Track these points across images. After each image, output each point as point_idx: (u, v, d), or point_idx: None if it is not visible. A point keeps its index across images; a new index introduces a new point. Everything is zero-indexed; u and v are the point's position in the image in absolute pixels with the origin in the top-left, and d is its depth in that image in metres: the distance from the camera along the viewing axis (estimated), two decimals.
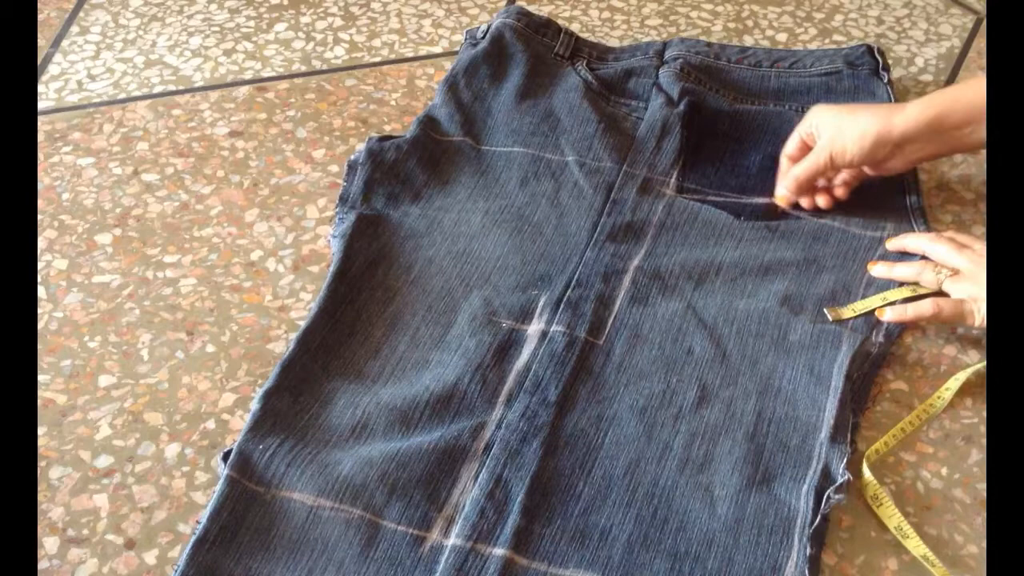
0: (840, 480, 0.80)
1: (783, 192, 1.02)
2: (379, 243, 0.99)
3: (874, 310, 0.93)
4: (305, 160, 1.12)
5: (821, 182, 1.03)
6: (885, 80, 1.15)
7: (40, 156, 1.12)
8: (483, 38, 1.20)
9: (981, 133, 0.96)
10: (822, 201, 1.02)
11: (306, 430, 0.83)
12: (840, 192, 1.03)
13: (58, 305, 0.96)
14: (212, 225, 1.04)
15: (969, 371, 0.88)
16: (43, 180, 1.09)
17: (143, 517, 0.80)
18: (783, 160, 1.03)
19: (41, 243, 1.02)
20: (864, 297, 0.94)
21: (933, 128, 0.96)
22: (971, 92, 0.95)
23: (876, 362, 0.90)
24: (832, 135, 0.98)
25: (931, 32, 1.31)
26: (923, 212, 1.03)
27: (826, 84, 1.17)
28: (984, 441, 0.86)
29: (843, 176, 1.03)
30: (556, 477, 0.81)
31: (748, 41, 1.29)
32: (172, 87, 1.22)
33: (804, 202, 1.03)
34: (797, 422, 0.85)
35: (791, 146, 1.03)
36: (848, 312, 0.93)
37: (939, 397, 0.87)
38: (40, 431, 0.85)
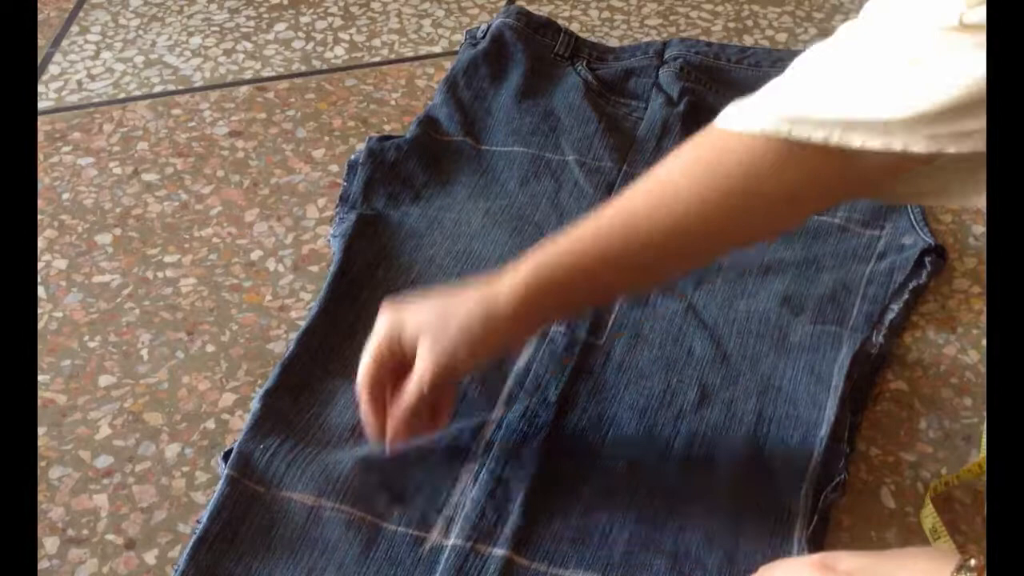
0: (838, 479, 0.80)
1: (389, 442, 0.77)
2: (379, 243, 0.99)
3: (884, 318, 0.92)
4: (305, 160, 1.12)
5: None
6: None
7: (40, 156, 1.12)
8: (483, 38, 1.21)
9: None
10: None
11: (306, 430, 0.83)
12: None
13: (58, 305, 0.96)
14: (212, 225, 1.04)
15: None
16: (43, 180, 1.09)
17: (143, 517, 0.80)
18: (363, 394, 0.76)
19: (41, 243, 1.02)
20: (863, 297, 0.94)
21: (544, 299, 0.73)
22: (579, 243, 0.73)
23: (876, 362, 0.90)
24: (431, 351, 0.73)
25: None
26: (923, 211, 1.02)
27: None
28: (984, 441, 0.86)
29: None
30: (556, 477, 0.81)
31: (748, 41, 1.29)
32: (172, 87, 1.22)
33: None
34: (797, 421, 0.85)
35: (368, 376, 0.75)
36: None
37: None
38: (40, 431, 0.85)
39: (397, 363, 0.75)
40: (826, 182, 0.69)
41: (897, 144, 0.63)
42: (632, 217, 0.72)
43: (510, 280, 0.73)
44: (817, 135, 0.65)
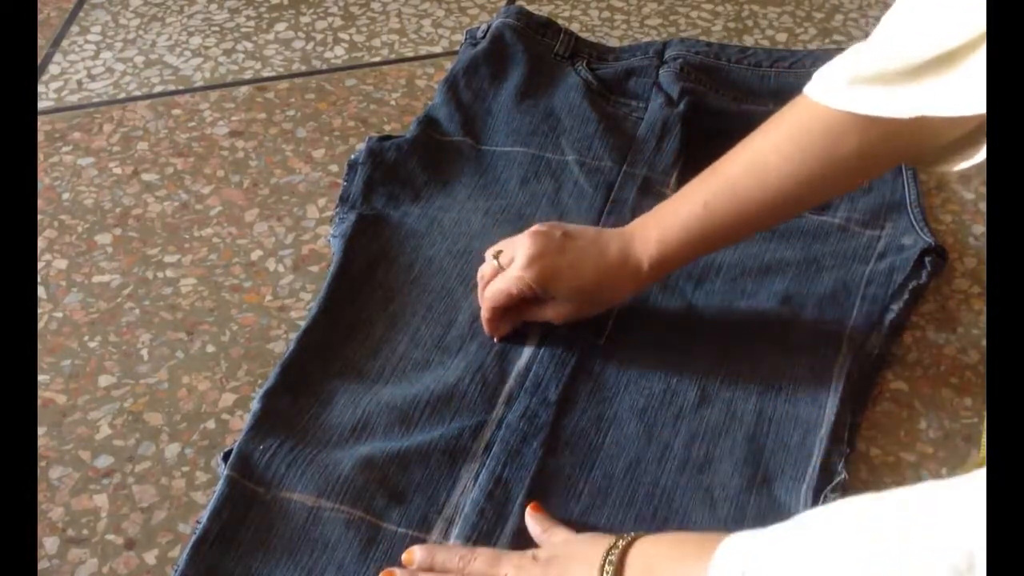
0: (838, 479, 0.80)
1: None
2: (379, 243, 0.99)
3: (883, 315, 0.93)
4: (305, 160, 1.12)
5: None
6: None
7: (40, 156, 1.12)
8: (483, 38, 1.20)
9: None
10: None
11: (306, 430, 0.83)
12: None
13: (58, 305, 0.96)
14: (212, 225, 1.04)
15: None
16: (43, 180, 1.09)
17: (143, 517, 0.80)
18: (492, 317, 0.89)
19: (41, 243, 1.02)
20: (863, 297, 0.94)
21: (672, 266, 0.89)
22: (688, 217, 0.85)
23: (876, 362, 0.90)
24: (576, 309, 0.88)
25: None
26: (923, 211, 1.02)
27: None
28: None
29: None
30: (556, 477, 0.81)
31: (748, 41, 1.29)
32: (172, 87, 1.22)
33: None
34: (797, 421, 0.85)
35: (500, 307, 0.88)
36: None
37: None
38: (40, 431, 0.85)
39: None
40: (897, 142, 0.79)
41: (965, 110, 0.68)
42: (734, 193, 0.84)
43: (645, 253, 0.86)
44: (890, 110, 0.74)
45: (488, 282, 0.89)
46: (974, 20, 0.66)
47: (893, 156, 0.83)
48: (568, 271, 0.86)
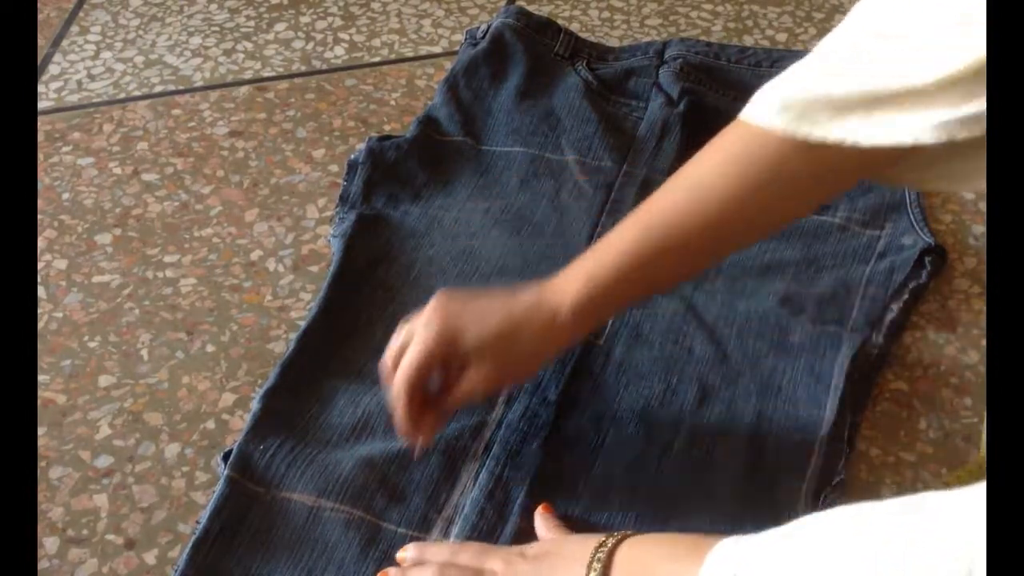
0: (838, 479, 0.80)
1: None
2: (379, 243, 0.99)
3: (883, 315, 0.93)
4: (305, 160, 1.12)
5: None
6: None
7: (40, 156, 1.12)
8: (483, 38, 1.21)
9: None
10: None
11: (306, 430, 0.83)
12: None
13: (58, 305, 0.96)
14: (212, 225, 1.04)
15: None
16: (43, 180, 1.09)
17: (143, 517, 0.80)
18: (403, 397, 0.76)
19: (41, 243, 1.02)
20: (863, 297, 0.94)
21: (604, 311, 0.80)
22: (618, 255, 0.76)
23: (876, 362, 0.90)
24: (498, 371, 0.77)
25: None
26: (923, 211, 1.02)
27: None
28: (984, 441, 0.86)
29: None
30: (556, 477, 0.81)
31: (748, 41, 1.29)
32: (172, 87, 1.22)
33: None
34: (797, 421, 0.85)
35: (412, 382, 0.75)
36: None
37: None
38: (40, 431, 0.85)
39: (441, 364, 0.77)
40: (845, 165, 0.73)
41: (907, 138, 0.65)
42: (669, 223, 0.76)
43: (568, 293, 0.76)
44: (831, 135, 0.68)
45: (394, 363, 0.77)
46: (934, 60, 0.63)
47: (846, 176, 0.76)
48: (473, 321, 0.76)
